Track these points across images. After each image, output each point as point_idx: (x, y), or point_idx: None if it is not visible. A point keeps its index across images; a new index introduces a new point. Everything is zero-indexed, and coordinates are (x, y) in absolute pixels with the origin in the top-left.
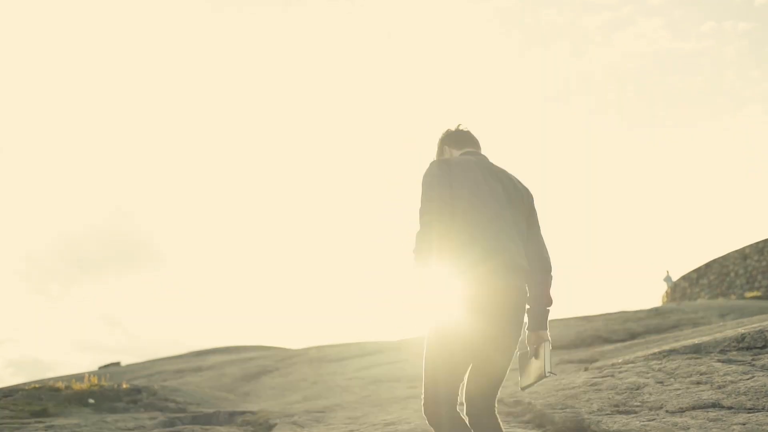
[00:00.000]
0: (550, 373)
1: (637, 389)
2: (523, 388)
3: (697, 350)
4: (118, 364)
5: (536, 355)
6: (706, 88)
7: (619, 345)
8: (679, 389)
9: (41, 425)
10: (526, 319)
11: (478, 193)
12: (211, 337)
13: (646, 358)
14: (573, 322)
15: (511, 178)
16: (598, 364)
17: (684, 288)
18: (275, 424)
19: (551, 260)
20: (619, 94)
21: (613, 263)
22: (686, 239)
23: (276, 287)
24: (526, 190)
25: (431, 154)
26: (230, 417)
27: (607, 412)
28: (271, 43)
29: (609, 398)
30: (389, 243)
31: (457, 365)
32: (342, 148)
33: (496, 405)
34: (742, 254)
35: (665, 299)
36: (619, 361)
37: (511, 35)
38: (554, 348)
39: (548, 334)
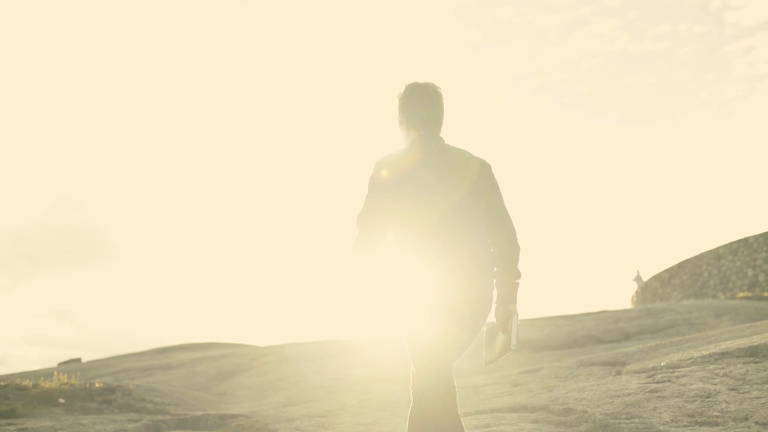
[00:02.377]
0: (515, 346)
1: (709, 397)
2: (487, 363)
3: (753, 353)
4: (78, 360)
5: (503, 329)
6: (662, 89)
7: (615, 345)
8: (761, 397)
9: (13, 427)
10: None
11: (425, 194)
12: (168, 333)
13: (699, 362)
14: (561, 321)
15: (463, 156)
16: (632, 367)
17: (655, 288)
18: (276, 430)
19: (516, 232)
20: (576, 93)
21: (580, 263)
22: (655, 239)
23: (233, 283)
24: (481, 163)
25: (386, 148)
26: (220, 421)
27: (684, 423)
28: (227, 29)
29: (679, 407)
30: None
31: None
32: (304, 138)
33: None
34: (716, 254)
35: (635, 299)
36: (662, 364)
37: (469, 32)
38: (546, 349)
39: (516, 307)
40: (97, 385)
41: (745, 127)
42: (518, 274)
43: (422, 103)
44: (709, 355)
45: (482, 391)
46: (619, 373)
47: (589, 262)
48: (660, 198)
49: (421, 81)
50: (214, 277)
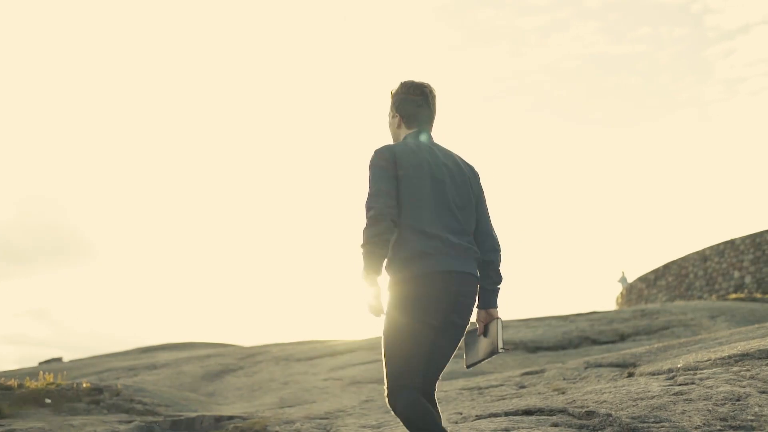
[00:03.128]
0: (503, 349)
1: (739, 400)
2: (468, 366)
3: None
4: (59, 359)
5: (486, 333)
6: (643, 92)
7: (610, 346)
8: None
9: (0, 429)
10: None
11: (421, 187)
12: (148, 333)
13: (719, 363)
14: (554, 322)
15: (456, 161)
16: (645, 369)
17: (640, 289)
18: None
19: (499, 239)
20: (557, 94)
21: (564, 265)
22: (640, 241)
23: (213, 282)
24: (472, 170)
25: (375, 145)
26: (216, 422)
27: (718, 428)
28: (214, 25)
29: (709, 410)
30: (339, 238)
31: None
32: (293, 137)
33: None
34: (702, 256)
35: (620, 300)
36: (679, 366)
37: (448, 33)
38: (541, 350)
39: (498, 311)
40: (84, 385)
41: (726, 129)
42: (500, 279)
43: (418, 102)
44: (729, 357)
45: (488, 393)
46: (631, 374)
47: (573, 263)
48: (644, 200)
49: (416, 80)
50: (193, 276)
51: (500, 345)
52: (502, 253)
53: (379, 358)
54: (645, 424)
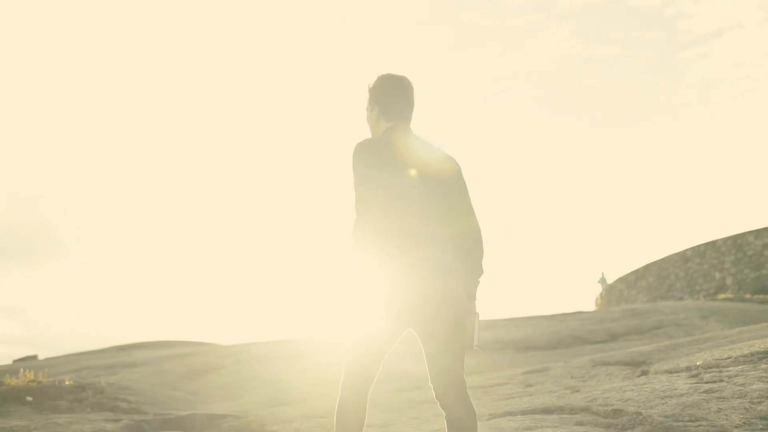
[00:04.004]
0: (478, 347)
1: None
2: None
3: None
4: (35, 357)
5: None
6: (618, 94)
7: (602, 346)
8: None
9: None
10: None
11: (400, 180)
12: (121, 331)
13: (743, 361)
14: (543, 321)
15: (436, 153)
16: (659, 367)
17: (620, 290)
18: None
19: (481, 230)
20: (533, 96)
21: (543, 265)
22: (620, 242)
23: (186, 281)
24: (452, 162)
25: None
26: (209, 421)
27: (760, 427)
28: (202, 26)
29: (746, 408)
30: (310, 239)
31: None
32: (273, 135)
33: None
34: (683, 257)
35: (599, 301)
36: (698, 363)
37: (431, 35)
38: (531, 349)
39: (476, 305)
40: (66, 382)
41: (699, 132)
42: (481, 272)
43: (396, 94)
44: (751, 354)
45: (494, 392)
46: (645, 373)
47: (552, 264)
48: (624, 201)
49: (394, 73)
50: (166, 275)
51: (475, 342)
52: (484, 245)
53: (335, 362)
54: (680, 423)
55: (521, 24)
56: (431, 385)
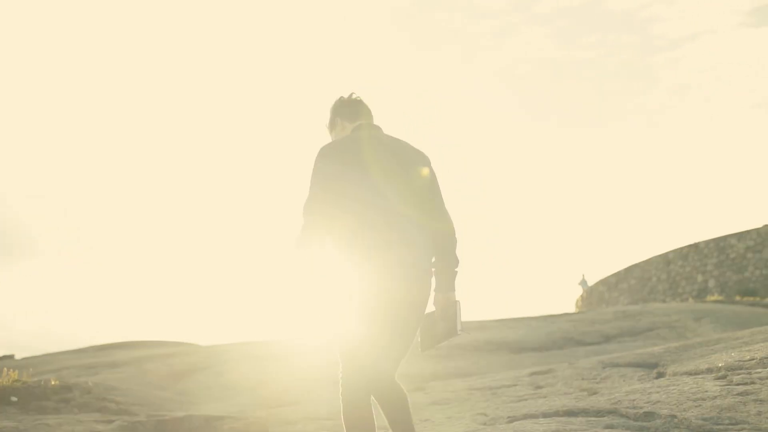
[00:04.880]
0: (461, 331)
1: None
2: (423, 350)
3: None
4: (12, 357)
5: (443, 317)
6: (592, 97)
7: (596, 348)
8: None
9: None
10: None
11: (367, 180)
12: (95, 331)
13: (767, 363)
14: (535, 322)
15: (404, 147)
16: (676, 369)
17: (601, 292)
18: None
19: (453, 224)
20: (510, 98)
21: (523, 267)
22: (600, 245)
23: (157, 281)
24: (422, 155)
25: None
26: (206, 423)
27: None
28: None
29: None
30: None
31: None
32: (251, 136)
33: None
34: (666, 259)
35: (579, 303)
36: (719, 365)
37: (401, 36)
38: (525, 350)
39: (455, 294)
40: (52, 382)
41: (675, 135)
42: (457, 263)
43: (353, 102)
44: None
45: (503, 393)
46: (661, 375)
47: (532, 266)
48: (603, 204)
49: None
50: (137, 275)
51: (459, 327)
52: (457, 236)
53: (333, 361)
54: (720, 426)
55: (496, 26)
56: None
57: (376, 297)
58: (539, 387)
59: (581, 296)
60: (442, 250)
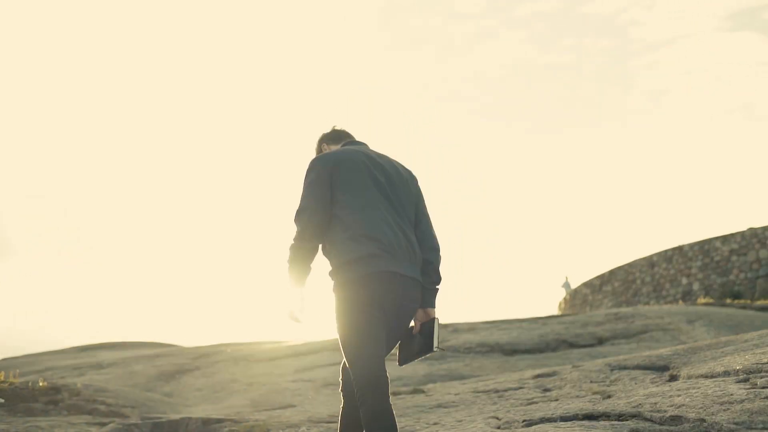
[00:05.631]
0: (438, 348)
1: None
2: (401, 363)
3: None
4: None
5: (421, 332)
6: (569, 101)
7: (590, 350)
8: None
9: None
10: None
11: (361, 189)
12: (70, 332)
13: None
14: (526, 324)
15: (394, 164)
16: (689, 371)
17: (585, 295)
18: None
19: (438, 241)
20: (487, 102)
21: (504, 269)
22: (583, 247)
23: (133, 281)
24: (410, 173)
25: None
26: (204, 426)
27: None
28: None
29: None
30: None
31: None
32: (239, 137)
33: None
34: (649, 262)
35: (563, 306)
36: (737, 368)
37: (379, 36)
38: (518, 353)
39: (435, 311)
40: (40, 383)
41: (652, 139)
42: (440, 279)
43: (336, 131)
44: None
45: (510, 396)
46: (674, 378)
47: (514, 268)
48: (586, 207)
49: None
50: (118, 276)
51: (436, 344)
52: (441, 253)
53: (332, 362)
54: (754, 431)
55: (473, 29)
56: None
57: (367, 302)
58: (547, 390)
59: (564, 298)
60: (426, 266)
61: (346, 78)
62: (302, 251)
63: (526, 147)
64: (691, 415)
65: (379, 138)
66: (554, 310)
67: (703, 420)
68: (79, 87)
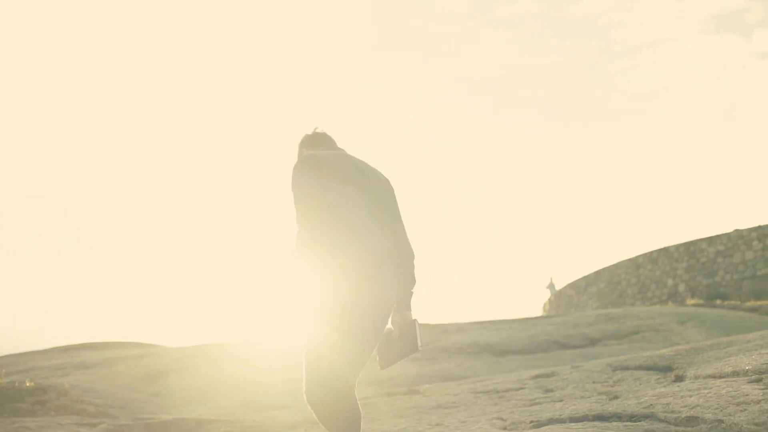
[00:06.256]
0: (421, 348)
1: None
2: (382, 368)
3: None
4: None
5: (401, 336)
6: (551, 101)
7: (582, 351)
8: None
9: None
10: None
11: (345, 192)
12: (60, 332)
13: None
14: (516, 324)
15: (373, 170)
16: (695, 372)
17: (570, 296)
18: None
19: (413, 247)
20: (469, 102)
21: (489, 270)
22: (567, 249)
23: (112, 280)
24: (387, 180)
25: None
26: (198, 426)
27: None
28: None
29: None
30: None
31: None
32: (201, 136)
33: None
34: (635, 263)
35: (547, 307)
36: (747, 368)
37: (362, 37)
38: (509, 353)
39: (413, 313)
40: (27, 383)
41: (635, 140)
42: (414, 283)
43: (316, 134)
44: None
45: (511, 397)
46: (680, 378)
47: (498, 270)
48: (570, 208)
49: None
50: (114, 275)
51: (419, 345)
52: (416, 260)
53: None
54: None
55: (456, 30)
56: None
57: (335, 301)
58: (549, 390)
59: (549, 300)
60: (403, 270)
61: (331, 78)
62: (312, 247)
63: (509, 148)
64: (708, 416)
65: (364, 138)
66: (539, 312)
67: (721, 421)
68: (79, 87)
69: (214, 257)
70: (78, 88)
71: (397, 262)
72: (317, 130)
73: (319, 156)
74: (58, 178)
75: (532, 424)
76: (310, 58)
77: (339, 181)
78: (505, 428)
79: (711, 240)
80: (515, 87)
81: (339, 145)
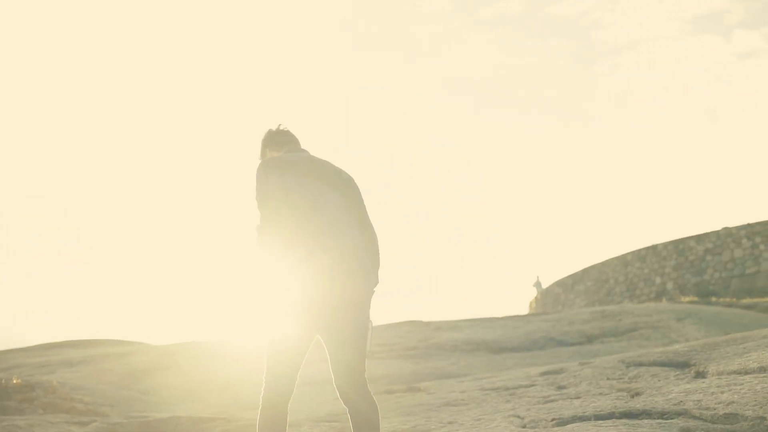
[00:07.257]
0: (368, 351)
1: None
2: None
3: None
4: None
5: None
6: (534, 102)
7: (579, 348)
8: None
9: None
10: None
11: (305, 193)
12: (22, 330)
13: None
14: (511, 322)
15: (335, 169)
16: (715, 368)
17: (557, 294)
18: None
19: (379, 244)
20: (451, 103)
21: (474, 268)
22: (553, 247)
23: (131, 280)
24: (351, 178)
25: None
26: (194, 425)
27: None
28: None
29: None
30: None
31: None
32: (190, 135)
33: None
34: (623, 261)
35: (534, 305)
36: (758, 365)
37: (341, 37)
38: (506, 351)
39: (370, 314)
40: (14, 381)
41: (622, 140)
42: (377, 282)
43: (280, 132)
44: None
45: (523, 394)
46: (701, 374)
47: (484, 268)
48: (557, 206)
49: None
50: (114, 275)
51: (367, 347)
52: (381, 257)
53: (325, 358)
54: None
55: (437, 30)
56: (335, 385)
57: (303, 301)
58: (562, 387)
59: (536, 297)
60: (367, 268)
61: (312, 79)
62: (276, 243)
63: (493, 148)
64: (748, 413)
65: (345, 138)
66: (525, 310)
67: (763, 418)
68: (79, 87)
69: (195, 254)
70: (78, 88)
71: (367, 262)
72: (281, 127)
73: (281, 159)
74: (58, 178)
75: (554, 422)
76: (291, 58)
77: (298, 179)
78: (524, 426)
79: (700, 238)
80: (498, 87)
81: (319, 144)
